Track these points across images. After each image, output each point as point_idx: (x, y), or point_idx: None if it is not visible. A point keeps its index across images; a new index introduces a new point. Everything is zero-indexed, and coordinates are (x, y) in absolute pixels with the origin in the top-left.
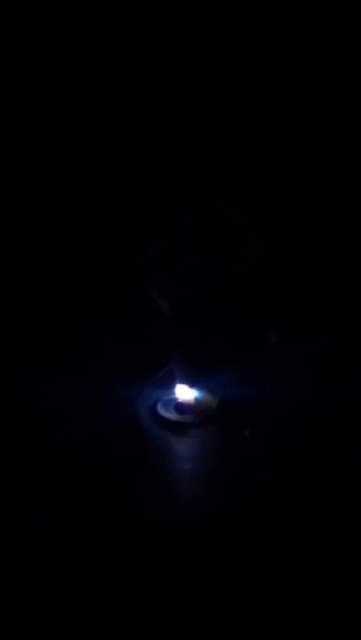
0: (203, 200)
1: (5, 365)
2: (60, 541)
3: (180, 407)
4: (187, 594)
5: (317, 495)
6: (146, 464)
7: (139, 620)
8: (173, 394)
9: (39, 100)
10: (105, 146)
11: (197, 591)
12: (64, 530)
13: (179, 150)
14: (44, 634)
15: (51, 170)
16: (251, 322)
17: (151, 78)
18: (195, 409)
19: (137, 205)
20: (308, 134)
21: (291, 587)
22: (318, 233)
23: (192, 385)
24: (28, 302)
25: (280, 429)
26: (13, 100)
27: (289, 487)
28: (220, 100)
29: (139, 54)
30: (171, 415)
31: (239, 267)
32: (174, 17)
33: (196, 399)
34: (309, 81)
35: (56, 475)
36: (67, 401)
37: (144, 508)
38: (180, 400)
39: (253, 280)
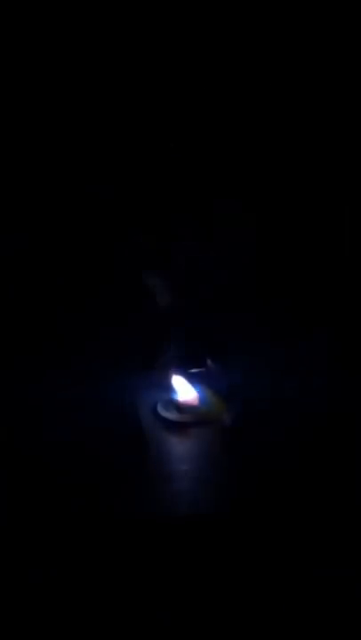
0: (201, 191)
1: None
2: (57, 540)
3: (181, 407)
4: (186, 594)
5: (319, 495)
6: (145, 463)
7: (137, 620)
8: (173, 394)
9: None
10: (100, 138)
11: (197, 592)
12: (61, 530)
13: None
14: (40, 631)
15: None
16: (250, 312)
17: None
18: (195, 409)
19: (130, 195)
20: (305, 128)
21: (291, 587)
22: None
23: (188, 371)
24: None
25: (282, 427)
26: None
27: (290, 486)
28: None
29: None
30: (171, 415)
31: (240, 256)
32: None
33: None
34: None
35: (54, 473)
36: (63, 398)
37: (143, 508)
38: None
39: (253, 270)
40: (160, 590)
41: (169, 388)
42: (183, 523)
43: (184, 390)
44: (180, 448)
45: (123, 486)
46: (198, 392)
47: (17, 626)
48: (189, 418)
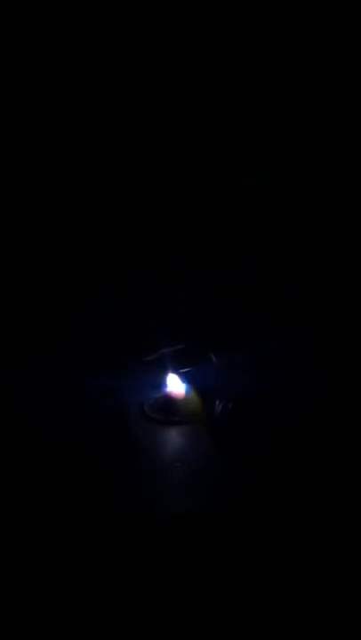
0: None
1: None
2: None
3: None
4: (175, 593)
5: (313, 494)
6: (132, 462)
7: (123, 616)
8: (161, 392)
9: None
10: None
11: (186, 591)
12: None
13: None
14: (35, 633)
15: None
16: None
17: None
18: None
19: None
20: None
21: (289, 586)
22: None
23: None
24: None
25: (272, 424)
26: None
27: (283, 485)
28: None
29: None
30: (158, 415)
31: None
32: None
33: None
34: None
35: (41, 468)
36: (50, 397)
37: (130, 506)
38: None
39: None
40: (148, 589)
41: (156, 387)
42: (171, 521)
43: (175, 388)
44: (168, 446)
45: (111, 484)
46: (187, 390)
47: (12, 626)
48: (176, 416)
